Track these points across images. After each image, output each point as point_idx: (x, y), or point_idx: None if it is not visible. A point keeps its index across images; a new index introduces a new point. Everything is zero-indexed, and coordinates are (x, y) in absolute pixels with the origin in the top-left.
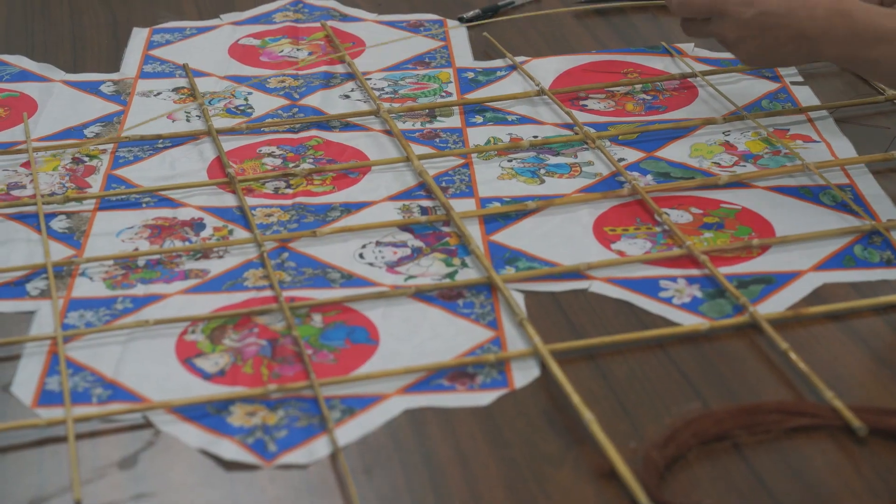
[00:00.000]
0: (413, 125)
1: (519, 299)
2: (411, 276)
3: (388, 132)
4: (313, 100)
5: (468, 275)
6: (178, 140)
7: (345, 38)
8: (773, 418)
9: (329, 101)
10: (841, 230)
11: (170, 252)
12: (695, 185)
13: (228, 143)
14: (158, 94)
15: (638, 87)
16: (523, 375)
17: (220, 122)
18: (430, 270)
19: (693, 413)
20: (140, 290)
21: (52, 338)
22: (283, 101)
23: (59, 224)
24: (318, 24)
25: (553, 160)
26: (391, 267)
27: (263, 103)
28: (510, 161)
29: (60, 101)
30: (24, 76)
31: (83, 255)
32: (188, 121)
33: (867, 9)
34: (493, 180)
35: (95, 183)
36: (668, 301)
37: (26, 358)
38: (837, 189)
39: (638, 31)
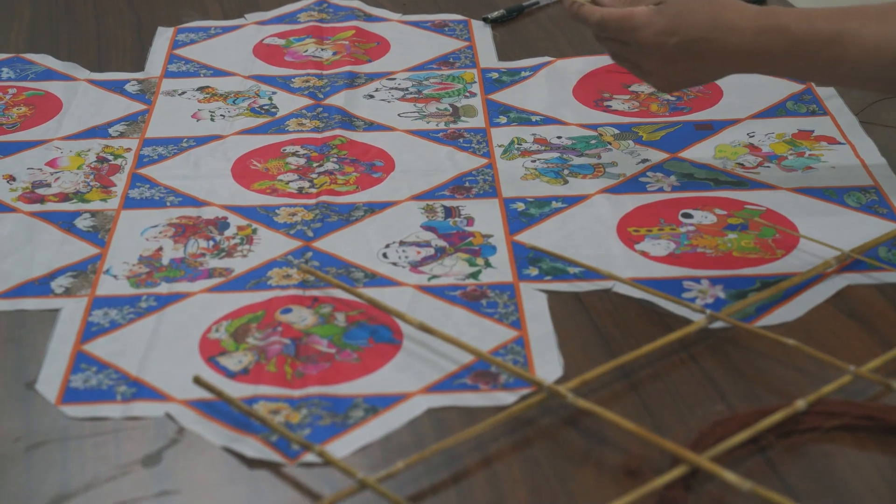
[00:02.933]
0: (437, 125)
1: (541, 299)
2: (434, 276)
3: (413, 132)
4: (337, 99)
5: (492, 275)
6: (202, 139)
7: (370, 38)
8: (808, 420)
9: (353, 101)
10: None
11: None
12: None
13: (252, 143)
14: (183, 93)
15: None
16: (546, 374)
17: (244, 122)
18: (454, 270)
19: (719, 416)
20: (164, 288)
21: None
22: (308, 101)
23: (83, 222)
24: (342, 24)
25: (577, 160)
26: (414, 266)
27: (288, 103)
28: (534, 161)
29: (85, 100)
30: (49, 75)
31: (107, 253)
32: (213, 120)
33: (800, 16)
34: (517, 180)
35: (120, 182)
36: (691, 302)
37: (51, 356)
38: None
39: None
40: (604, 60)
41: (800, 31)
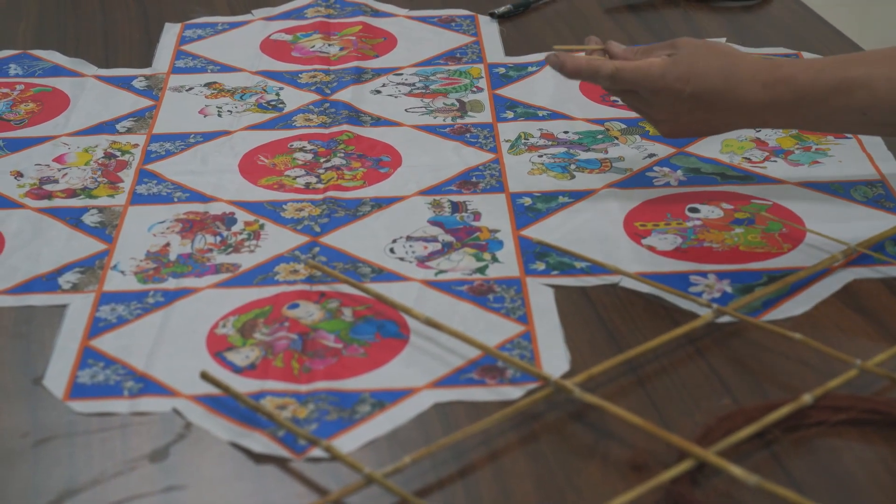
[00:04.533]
0: (444, 120)
1: (548, 294)
2: (441, 271)
3: (420, 127)
4: (344, 95)
5: (499, 270)
6: (209, 135)
7: (376, 34)
8: (814, 415)
9: (360, 97)
10: None
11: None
12: None
13: (259, 139)
14: (190, 89)
15: None
16: (553, 369)
17: (251, 118)
18: (461, 265)
19: (725, 410)
20: (171, 283)
21: None
22: (315, 97)
23: (91, 218)
24: (349, 20)
25: (584, 155)
26: (421, 261)
27: (295, 98)
28: (540, 156)
29: (93, 96)
30: (57, 71)
31: (115, 249)
32: (220, 116)
33: (806, 66)
34: (524, 175)
35: (127, 177)
36: (698, 296)
37: (58, 352)
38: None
39: (668, 27)
40: None
41: (807, 81)
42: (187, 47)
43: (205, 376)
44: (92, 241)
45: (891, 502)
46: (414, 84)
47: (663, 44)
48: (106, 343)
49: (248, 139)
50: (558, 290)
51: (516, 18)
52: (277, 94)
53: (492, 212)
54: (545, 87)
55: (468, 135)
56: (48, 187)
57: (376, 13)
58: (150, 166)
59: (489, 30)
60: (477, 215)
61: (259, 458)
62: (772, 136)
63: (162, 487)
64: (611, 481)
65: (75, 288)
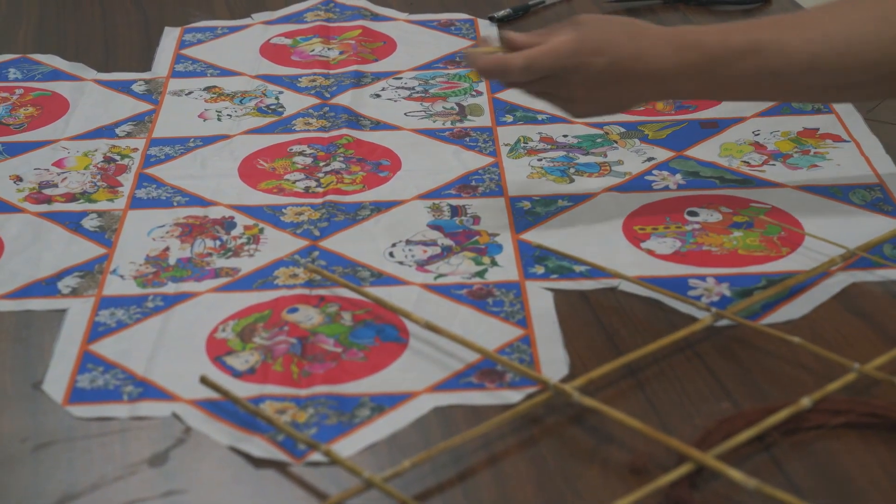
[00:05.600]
0: (444, 124)
1: (548, 298)
2: (441, 275)
3: (419, 131)
4: (344, 99)
5: (498, 273)
6: (209, 139)
7: (376, 38)
8: (813, 418)
9: (360, 100)
10: None
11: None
12: None
13: (258, 142)
14: (190, 93)
15: None
16: (553, 372)
17: (251, 122)
18: (460, 269)
19: (725, 413)
20: (171, 288)
21: None
22: (314, 101)
23: (90, 223)
24: (349, 24)
25: (583, 159)
26: (421, 265)
27: (294, 102)
28: (540, 160)
29: (92, 100)
30: (56, 75)
31: (114, 253)
32: (219, 120)
33: (710, 32)
34: (523, 179)
35: (127, 181)
36: (697, 300)
37: (57, 356)
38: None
39: None
40: None
41: (714, 45)
42: (187, 51)
43: (204, 381)
44: (91, 246)
45: None
46: (413, 88)
47: (563, 23)
48: (105, 347)
49: (248, 143)
50: (557, 293)
51: (515, 22)
52: (277, 98)
53: (491, 215)
54: None
55: (467, 139)
56: (48, 191)
57: (376, 17)
58: (150, 170)
59: (489, 33)
60: (476, 219)
61: (258, 463)
62: (770, 139)
63: (161, 492)
64: (610, 485)
65: (75, 292)
